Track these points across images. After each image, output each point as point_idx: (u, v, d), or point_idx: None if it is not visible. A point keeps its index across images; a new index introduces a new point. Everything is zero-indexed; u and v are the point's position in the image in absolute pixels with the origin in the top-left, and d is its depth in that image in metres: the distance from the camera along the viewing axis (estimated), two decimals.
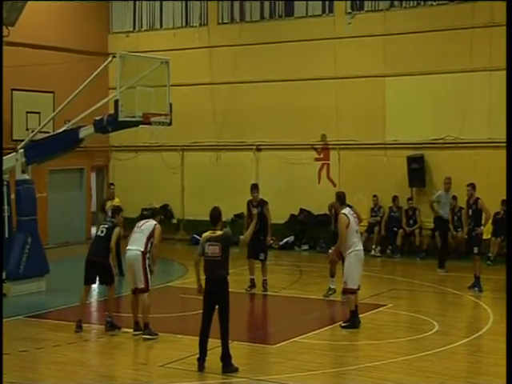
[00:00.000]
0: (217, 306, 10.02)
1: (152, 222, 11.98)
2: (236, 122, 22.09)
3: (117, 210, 12.85)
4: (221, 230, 10.21)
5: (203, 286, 10.16)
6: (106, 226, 12.33)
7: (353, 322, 12.18)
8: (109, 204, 17.22)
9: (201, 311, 10.19)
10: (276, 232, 21.05)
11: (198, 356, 10.04)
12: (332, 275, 14.17)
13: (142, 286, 11.71)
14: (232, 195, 20.17)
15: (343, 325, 12.18)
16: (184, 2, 23.07)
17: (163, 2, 23.39)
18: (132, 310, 11.87)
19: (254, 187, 15.37)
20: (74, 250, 21.55)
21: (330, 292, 14.25)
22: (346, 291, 12.40)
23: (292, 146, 21.34)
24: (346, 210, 12.35)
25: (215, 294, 10.01)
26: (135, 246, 11.76)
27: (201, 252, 10.15)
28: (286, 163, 21.37)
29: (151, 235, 11.80)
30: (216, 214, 10.28)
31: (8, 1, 15.07)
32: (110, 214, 13.37)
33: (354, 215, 12.49)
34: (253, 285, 15.18)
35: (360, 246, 12.45)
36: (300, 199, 21.16)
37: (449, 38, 19.37)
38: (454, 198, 19.08)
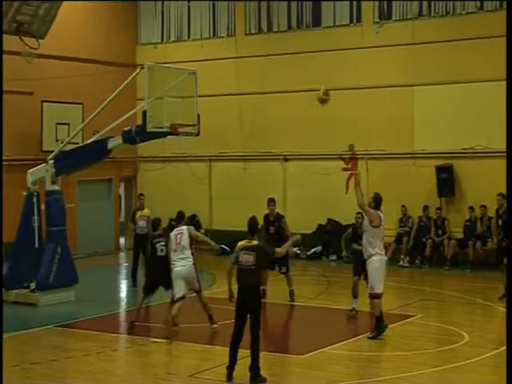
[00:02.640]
0: (248, 316, 9.98)
1: (184, 231, 12.45)
2: (263, 132, 22.11)
3: (157, 222, 13.31)
4: (257, 240, 10.24)
5: (234, 294, 10.16)
6: (163, 243, 12.74)
7: (379, 329, 12.08)
8: (138, 214, 17.35)
9: (228, 321, 10.20)
10: (303, 242, 21.07)
11: (227, 364, 10.04)
12: (355, 296, 13.89)
13: (197, 287, 12.59)
14: (259, 205, 20.02)
15: (370, 336, 12.10)
16: (211, 13, 23.21)
17: (191, 14, 23.54)
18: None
19: (271, 201, 15.38)
20: (102, 260, 21.72)
21: (354, 312, 13.91)
22: (372, 296, 12.28)
23: (319, 155, 21.30)
24: (380, 213, 12.28)
25: (247, 303, 9.95)
26: (184, 261, 12.34)
27: (234, 260, 10.10)
28: (314, 173, 21.32)
29: (191, 243, 12.46)
30: (254, 223, 10.35)
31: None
32: (153, 228, 13.46)
33: None
34: (263, 295, 15.01)
35: (383, 252, 12.35)
36: (327, 209, 21.10)
37: (478, 47, 19.25)
38: (471, 208, 19.00)
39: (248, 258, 9.96)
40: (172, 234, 12.65)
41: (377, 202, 12.43)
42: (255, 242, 10.14)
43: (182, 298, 12.40)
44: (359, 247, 13.33)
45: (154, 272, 12.83)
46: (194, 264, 12.64)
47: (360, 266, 13.26)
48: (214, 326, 12.66)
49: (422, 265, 19.48)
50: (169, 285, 12.59)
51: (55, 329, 13.10)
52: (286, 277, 15.13)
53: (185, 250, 12.47)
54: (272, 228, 14.65)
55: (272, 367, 10.56)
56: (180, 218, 13.02)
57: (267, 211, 15.18)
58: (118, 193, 24.34)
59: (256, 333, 9.88)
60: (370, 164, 20.82)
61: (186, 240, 12.50)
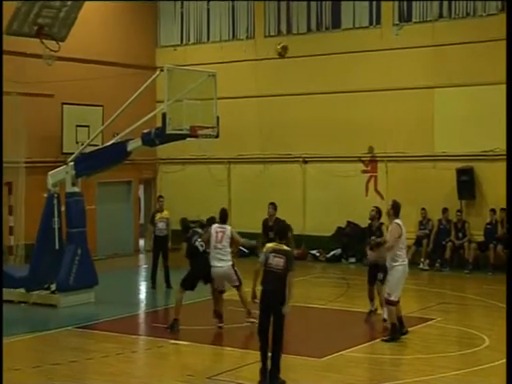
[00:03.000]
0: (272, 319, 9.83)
1: (227, 231, 12.99)
2: (282, 135, 22.09)
3: (186, 221, 13.83)
4: (286, 245, 10.13)
5: (257, 294, 10.03)
6: (200, 239, 13.04)
7: (394, 334, 12.00)
8: (158, 216, 17.37)
9: (248, 324, 10.16)
10: (322, 244, 21.08)
11: (260, 367, 9.84)
12: (372, 299, 13.71)
13: (236, 284, 13.00)
14: (278, 208, 20.09)
15: (385, 339, 12.01)
16: (231, 16, 23.24)
17: (210, 16, 23.58)
18: (216, 304, 13.03)
19: (271, 205, 15.35)
20: (122, 262, 21.78)
21: (372, 313, 13.71)
22: (388, 302, 12.23)
23: (339, 158, 21.25)
24: (399, 221, 12.23)
25: (272, 306, 9.80)
26: (222, 263, 12.80)
27: (263, 261, 9.93)
28: (333, 176, 21.27)
29: (231, 243, 12.99)
30: (284, 227, 10.33)
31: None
32: (186, 228, 13.71)
33: None
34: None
35: (406, 260, 12.33)
36: (347, 212, 21.03)
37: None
38: (493, 211, 18.90)
39: (279, 262, 9.82)
40: (212, 231, 12.95)
41: (395, 209, 12.36)
42: (285, 247, 10.01)
43: (222, 291, 13.03)
44: (378, 239, 13.13)
45: (198, 268, 12.95)
46: (233, 264, 12.96)
47: (374, 277, 13.26)
48: (252, 320, 12.59)
49: (442, 268, 19.37)
50: (209, 279, 12.92)
51: (75, 330, 13.14)
52: None
53: (225, 249, 12.83)
54: (271, 233, 14.57)
55: (290, 370, 10.52)
56: (225, 217, 13.38)
57: (267, 216, 15.18)
58: (138, 195, 24.41)
59: (278, 336, 9.78)
60: (389, 166, 20.77)
61: (227, 240, 12.89)
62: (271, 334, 9.83)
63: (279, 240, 10.08)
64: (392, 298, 12.09)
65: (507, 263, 11.92)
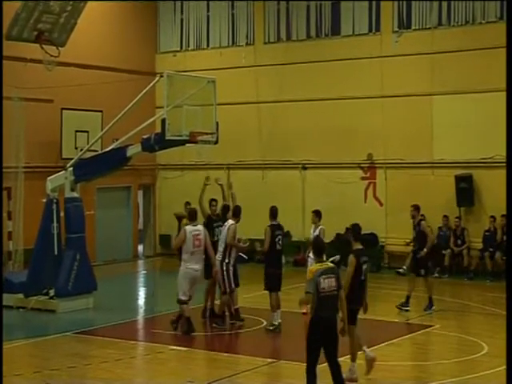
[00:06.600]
0: (325, 347, 8.86)
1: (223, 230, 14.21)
2: (282, 141, 22.11)
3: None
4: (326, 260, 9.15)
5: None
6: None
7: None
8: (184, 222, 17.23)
9: (247, 330, 10.14)
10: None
11: None
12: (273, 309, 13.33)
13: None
14: (278, 214, 20.11)
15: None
16: (230, 22, 23.28)
17: (210, 22, 23.63)
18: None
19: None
20: (121, 268, 21.78)
21: (273, 327, 13.21)
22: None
23: (338, 164, 21.28)
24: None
25: (330, 334, 8.79)
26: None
27: (314, 289, 8.71)
28: (332, 182, 21.30)
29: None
30: (322, 243, 9.35)
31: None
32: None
33: None
34: (238, 315, 13.82)
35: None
36: (346, 218, 20.91)
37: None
38: (493, 217, 18.93)
39: (330, 282, 8.77)
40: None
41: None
42: (330, 264, 9.02)
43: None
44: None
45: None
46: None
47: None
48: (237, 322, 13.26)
49: (441, 275, 19.36)
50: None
51: (74, 336, 13.13)
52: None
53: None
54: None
55: (290, 376, 10.57)
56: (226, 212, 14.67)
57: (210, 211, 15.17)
58: (137, 200, 24.41)
59: (338, 361, 8.98)
60: (388, 173, 20.79)
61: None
62: (329, 367, 9.04)
63: (319, 257, 9.03)
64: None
65: (506, 269, 11.93)
